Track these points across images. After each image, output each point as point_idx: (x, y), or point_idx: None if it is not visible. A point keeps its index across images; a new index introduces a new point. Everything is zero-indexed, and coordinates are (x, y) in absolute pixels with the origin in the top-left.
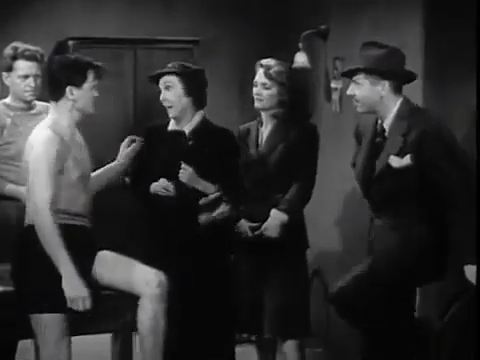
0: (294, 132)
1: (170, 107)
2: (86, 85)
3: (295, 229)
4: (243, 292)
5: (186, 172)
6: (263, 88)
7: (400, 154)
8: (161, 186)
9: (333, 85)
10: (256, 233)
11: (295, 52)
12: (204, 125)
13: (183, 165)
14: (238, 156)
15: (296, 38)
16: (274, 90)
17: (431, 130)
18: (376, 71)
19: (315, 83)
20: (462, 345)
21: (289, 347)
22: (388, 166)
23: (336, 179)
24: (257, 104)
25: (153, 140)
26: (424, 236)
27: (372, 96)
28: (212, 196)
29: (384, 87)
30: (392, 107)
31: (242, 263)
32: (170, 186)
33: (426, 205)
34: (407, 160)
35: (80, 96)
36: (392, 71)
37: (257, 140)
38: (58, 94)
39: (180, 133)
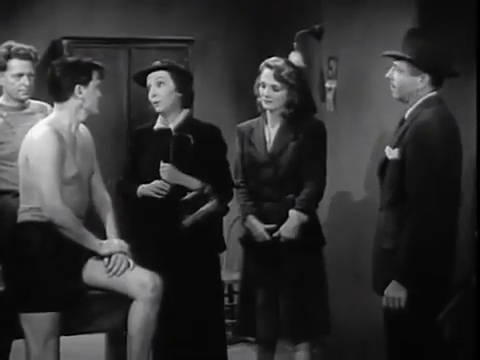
0: (303, 130)
1: (159, 102)
2: (92, 83)
3: (311, 227)
4: (257, 295)
5: (165, 169)
6: (273, 90)
7: (395, 146)
8: (155, 187)
9: (327, 85)
10: (274, 235)
11: (290, 52)
12: (189, 121)
13: (162, 163)
14: (226, 152)
15: (291, 37)
16: (284, 92)
17: (416, 129)
18: (420, 65)
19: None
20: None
21: (302, 347)
22: (386, 156)
23: (331, 179)
24: (266, 105)
25: (141, 142)
26: (415, 238)
27: (409, 86)
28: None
29: (423, 79)
30: (420, 98)
31: (255, 267)
32: (166, 186)
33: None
34: (395, 154)
35: (87, 95)
36: (436, 67)
37: (264, 139)
38: (65, 94)
39: (166, 131)
